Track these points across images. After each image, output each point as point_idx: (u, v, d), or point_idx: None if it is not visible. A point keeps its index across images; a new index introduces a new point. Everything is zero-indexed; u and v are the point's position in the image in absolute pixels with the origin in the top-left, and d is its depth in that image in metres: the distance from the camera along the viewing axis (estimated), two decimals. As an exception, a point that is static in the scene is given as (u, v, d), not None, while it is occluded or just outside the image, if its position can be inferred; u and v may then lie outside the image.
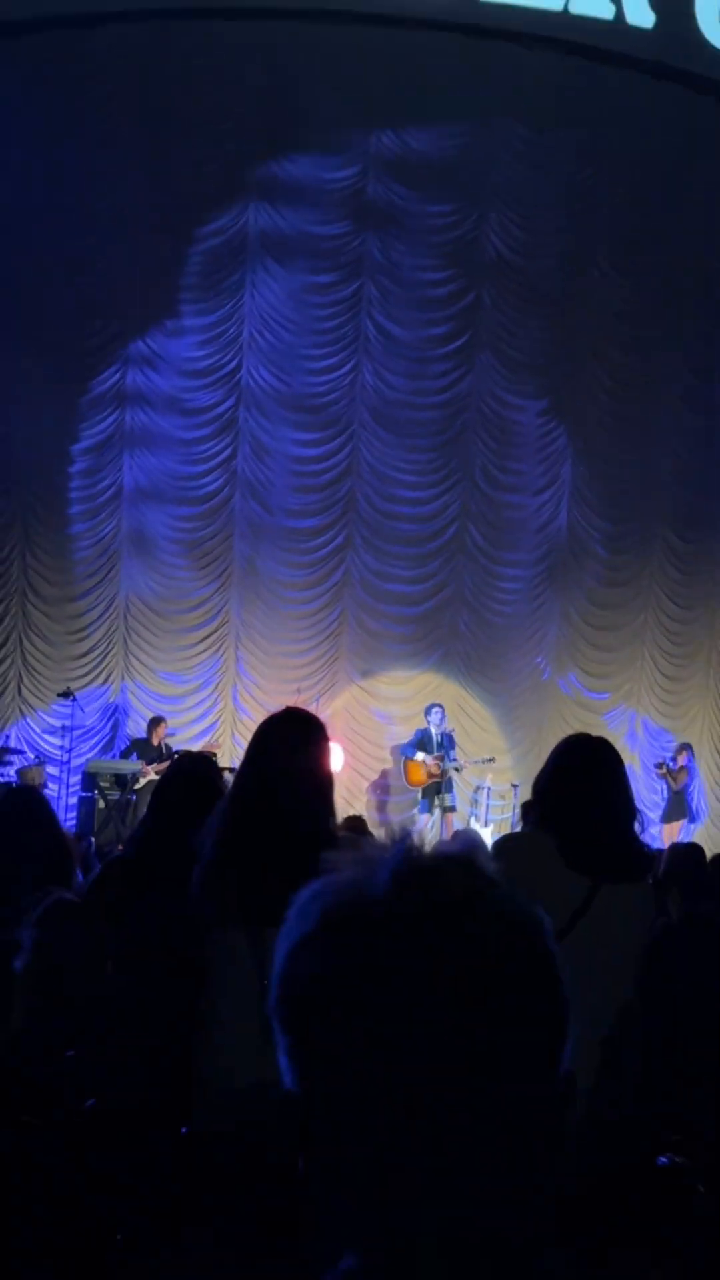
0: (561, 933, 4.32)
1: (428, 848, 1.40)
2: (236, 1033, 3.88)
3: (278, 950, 1.39)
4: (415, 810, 17.80)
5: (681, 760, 18.43)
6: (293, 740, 4.47)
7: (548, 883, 4.33)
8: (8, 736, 17.64)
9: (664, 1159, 3.93)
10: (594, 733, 4.90)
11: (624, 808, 4.58)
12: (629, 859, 4.49)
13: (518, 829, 12.91)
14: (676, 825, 17.90)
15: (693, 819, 18.42)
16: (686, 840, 13.71)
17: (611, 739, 4.87)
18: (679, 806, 18.31)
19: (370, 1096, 1.30)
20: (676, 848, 10.70)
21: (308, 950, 1.36)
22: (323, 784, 4.48)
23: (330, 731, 14.57)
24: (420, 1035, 1.29)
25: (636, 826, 4.67)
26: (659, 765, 18.53)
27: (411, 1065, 1.29)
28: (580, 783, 4.55)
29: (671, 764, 18.37)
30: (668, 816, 18.22)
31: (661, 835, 17.43)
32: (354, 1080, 1.31)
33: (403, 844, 1.39)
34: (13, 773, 16.44)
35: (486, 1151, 1.31)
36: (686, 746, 18.70)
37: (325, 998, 1.33)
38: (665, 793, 18.48)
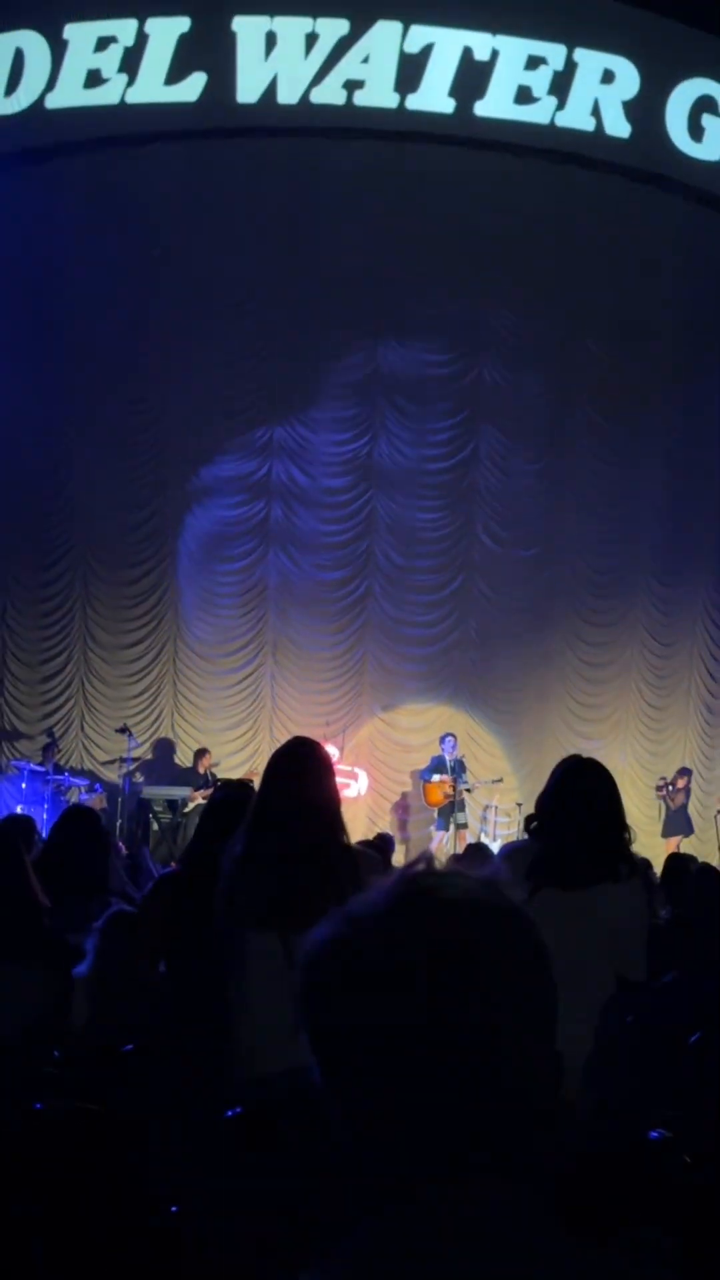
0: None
1: (434, 863, 1.40)
2: (270, 1024, 3.87)
3: (302, 950, 1.39)
4: (432, 828, 17.77)
5: (681, 783, 18.41)
6: (295, 767, 4.50)
7: (517, 883, 4.34)
8: (67, 777, 17.58)
9: (655, 1133, 3.91)
10: (583, 755, 4.91)
11: (611, 818, 4.58)
12: (612, 864, 4.49)
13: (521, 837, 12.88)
14: (675, 840, 17.85)
15: (688, 834, 18.32)
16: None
17: (605, 761, 4.88)
18: (676, 823, 18.26)
19: (380, 1076, 1.30)
20: (672, 857, 10.69)
21: (328, 949, 1.36)
22: (326, 802, 4.49)
23: (355, 759, 14.61)
24: (426, 1020, 1.29)
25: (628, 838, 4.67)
26: (658, 787, 18.53)
27: (418, 1049, 1.29)
28: (572, 797, 4.57)
29: (671, 787, 18.36)
30: (666, 831, 18.18)
31: (664, 849, 17.40)
32: (365, 1063, 1.31)
33: (413, 862, 1.40)
34: (77, 800, 16.45)
35: (487, 1127, 1.31)
36: (686, 771, 18.69)
37: (339, 989, 1.34)
38: (663, 811, 18.44)
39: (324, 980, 1.35)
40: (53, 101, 17.52)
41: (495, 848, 13.88)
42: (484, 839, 16.78)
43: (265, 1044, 3.90)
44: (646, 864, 8.27)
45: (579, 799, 4.56)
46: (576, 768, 4.72)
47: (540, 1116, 1.34)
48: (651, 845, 16.60)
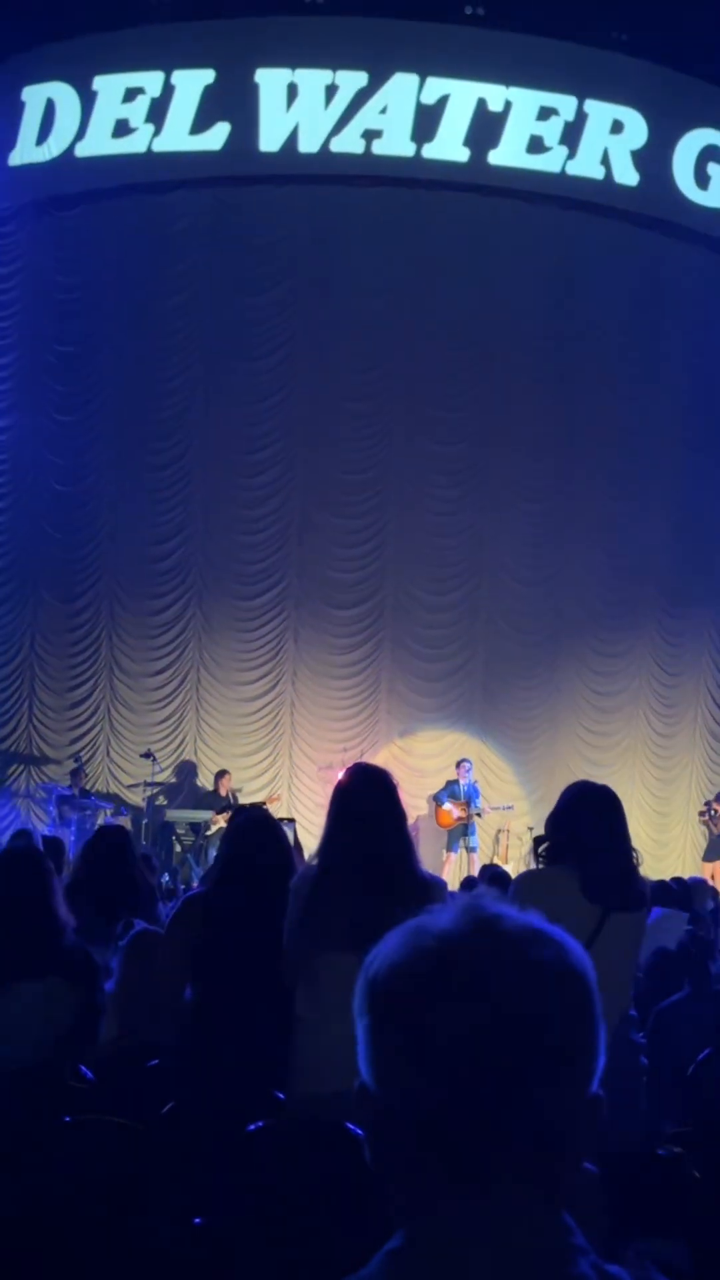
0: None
1: (496, 904, 1.41)
2: (342, 1039, 3.85)
3: (367, 966, 1.41)
4: (443, 850, 17.73)
5: None
6: (376, 793, 4.50)
7: (566, 912, 4.32)
8: (94, 801, 17.59)
9: (663, 1150, 3.89)
10: (593, 781, 4.89)
11: (625, 846, 4.56)
12: (631, 892, 4.47)
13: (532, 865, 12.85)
14: (717, 865, 17.80)
15: None
16: None
17: (614, 786, 4.85)
18: (718, 848, 18.17)
19: (427, 1097, 1.31)
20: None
21: (390, 971, 1.37)
22: (403, 827, 4.51)
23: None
24: (477, 1054, 1.30)
25: (636, 861, 4.65)
26: (701, 812, 18.48)
27: (467, 1078, 1.30)
28: (590, 824, 4.53)
29: (714, 812, 18.30)
30: (708, 856, 18.10)
31: (704, 873, 17.37)
32: (415, 1082, 1.32)
33: (477, 898, 1.41)
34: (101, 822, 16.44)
35: (525, 1157, 1.31)
36: None
37: (399, 1011, 1.35)
38: (708, 836, 18.37)
39: (394, 991, 1.36)
40: (82, 150, 17.67)
41: (510, 870, 13.85)
42: (495, 861, 16.74)
43: (339, 1060, 3.90)
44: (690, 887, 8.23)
45: (594, 826, 4.54)
46: (590, 793, 4.69)
47: (577, 1154, 1.36)
48: (696, 870, 16.59)
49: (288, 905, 4.42)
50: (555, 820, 4.66)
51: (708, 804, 18.50)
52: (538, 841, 4.73)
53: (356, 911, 4.17)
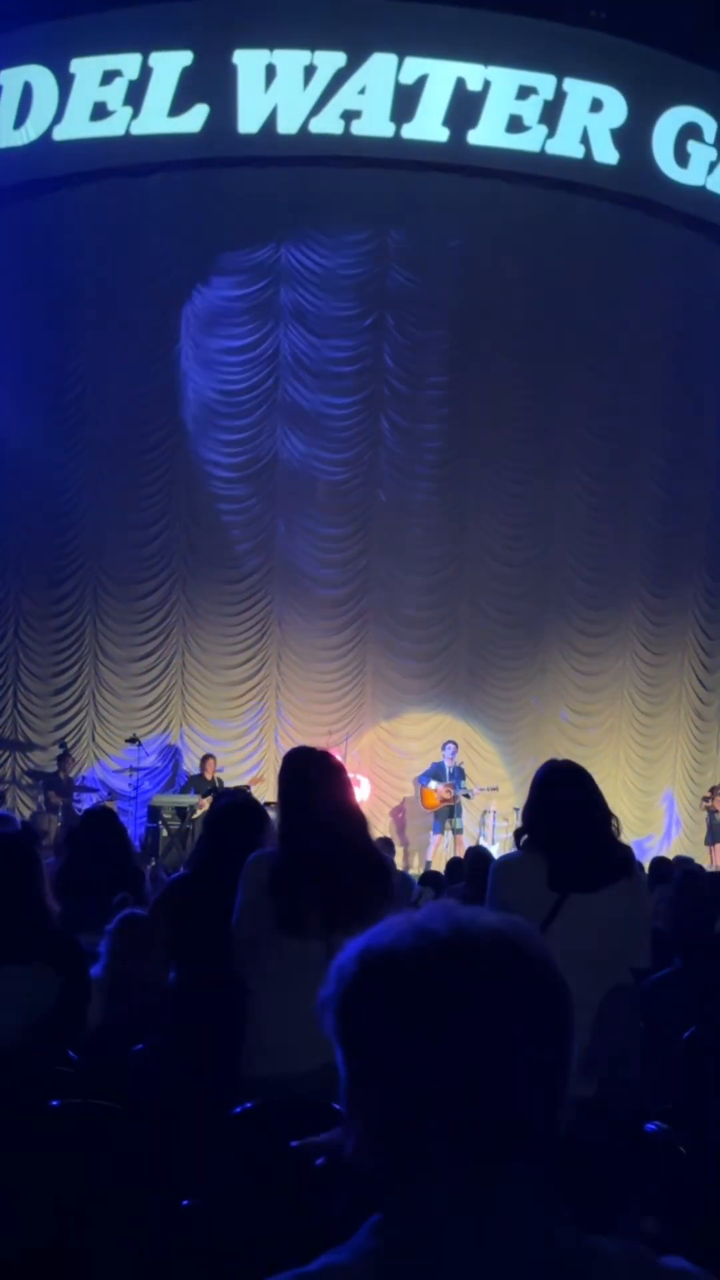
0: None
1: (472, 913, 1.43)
2: (304, 1018, 3.87)
3: (347, 952, 1.42)
4: (430, 832, 17.77)
5: None
6: (323, 774, 4.51)
7: (528, 898, 4.37)
8: (85, 778, 17.64)
9: (652, 1125, 3.89)
10: (583, 762, 4.88)
11: (595, 821, 4.55)
12: (601, 869, 4.46)
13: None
14: (717, 848, 17.90)
15: None
16: None
17: (598, 766, 4.87)
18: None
19: (401, 1082, 1.33)
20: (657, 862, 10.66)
21: (378, 961, 1.39)
22: (356, 807, 4.53)
23: (357, 765, 14.57)
24: (458, 1037, 1.33)
25: (615, 830, 4.64)
26: (705, 798, 18.54)
27: (447, 1061, 1.33)
28: (556, 807, 4.55)
29: (716, 796, 18.37)
30: (710, 839, 18.14)
31: (711, 855, 17.48)
32: (391, 1067, 1.34)
33: (450, 902, 1.43)
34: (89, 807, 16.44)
35: (491, 1142, 1.33)
36: None
37: (383, 999, 1.37)
38: (708, 821, 18.42)
39: (368, 989, 1.38)
40: (60, 134, 17.56)
41: (494, 851, 13.88)
42: (482, 843, 16.77)
43: (301, 1041, 3.90)
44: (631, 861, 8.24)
45: (576, 804, 4.54)
46: (563, 776, 4.68)
47: (552, 1118, 1.38)
48: (697, 855, 16.63)
49: (239, 888, 4.43)
50: (527, 808, 4.68)
51: (713, 789, 18.56)
52: (518, 834, 4.77)
53: (321, 891, 4.19)
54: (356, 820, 4.49)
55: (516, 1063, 1.34)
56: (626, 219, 18.77)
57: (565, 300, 18.85)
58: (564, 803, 4.54)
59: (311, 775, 4.52)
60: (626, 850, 4.62)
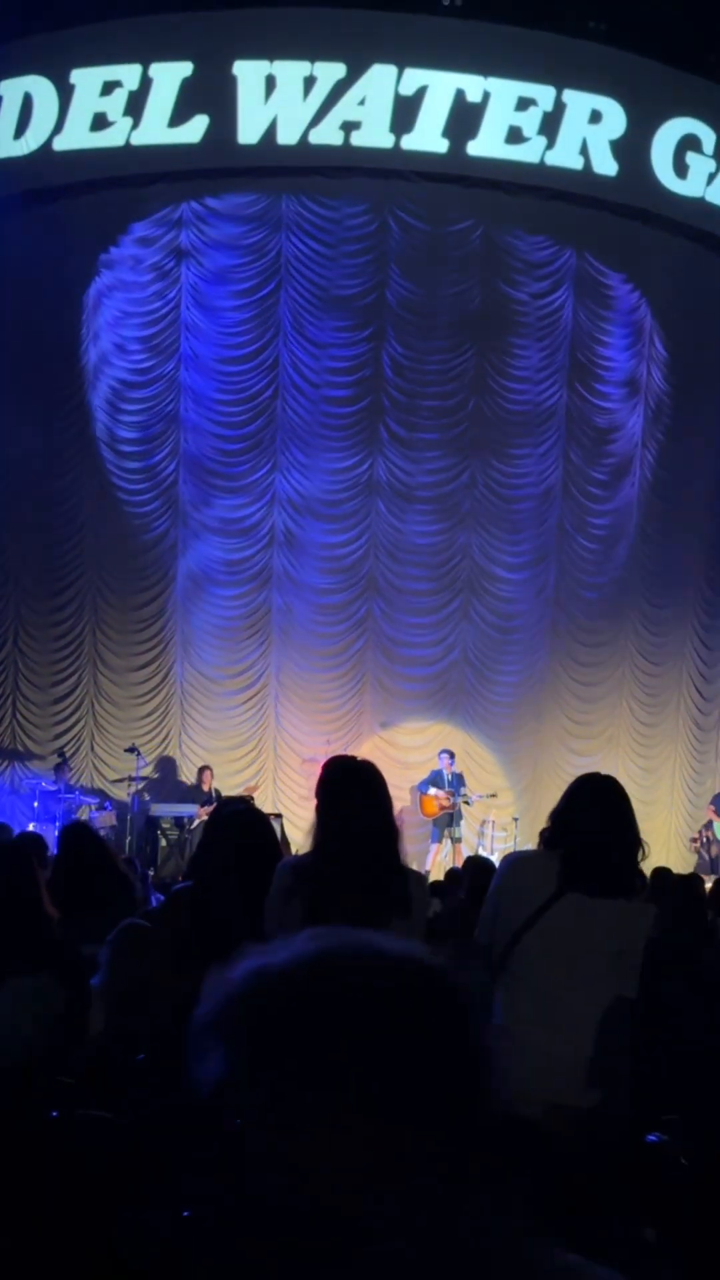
0: (525, 926, 4.36)
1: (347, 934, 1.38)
2: None
3: (232, 972, 1.37)
4: (429, 841, 17.76)
5: None
6: (362, 785, 4.54)
7: (533, 891, 4.41)
8: (79, 795, 17.58)
9: (653, 1136, 3.90)
10: (581, 772, 4.91)
11: (622, 833, 4.56)
12: (610, 877, 4.47)
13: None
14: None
15: None
16: None
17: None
18: None
19: (284, 1124, 1.27)
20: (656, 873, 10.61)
21: (262, 979, 1.34)
22: (393, 823, 4.56)
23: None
24: (327, 1079, 1.26)
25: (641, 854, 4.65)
26: (694, 839, 18.67)
27: (358, 1084, 1.26)
28: (581, 811, 4.56)
29: (705, 839, 18.39)
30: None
31: None
32: (270, 1104, 1.28)
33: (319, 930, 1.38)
34: (87, 817, 16.44)
35: (380, 1193, 1.26)
36: None
37: (254, 1035, 1.30)
38: (697, 860, 18.45)
39: (254, 1007, 1.32)
40: (60, 144, 17.58)
41: (494, 859, 13.87)
42: (481, 853, 16.76)
43: None
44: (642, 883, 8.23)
45: (609, 812, 4.56)
46: (603, 783, 4.72)
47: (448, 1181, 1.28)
48: (679, 863, 16.65)
49: (270, 890, 4.45)
50: (557, 808, 4.71)
51: (700, 831, 18.60)
52: (543, 832, 4.80)
53: (347, 899, 4.21)
54: (387, 830, 4.51)
55: (417, 1082, 1.27)
56: (625, 230, 18.81)
57: (562, 309, 18.92)
58: (595, 806, 4.56)
59: (350, 784, 4.56)
60: (641, 876, 4.63)
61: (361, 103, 17.73)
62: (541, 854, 4.64)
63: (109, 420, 18.27)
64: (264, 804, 16.70)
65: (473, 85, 17.89)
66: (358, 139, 17.83)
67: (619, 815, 4.57)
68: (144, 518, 18.48)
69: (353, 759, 4.83)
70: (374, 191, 18.39)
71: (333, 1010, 1.28)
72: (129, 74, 17.45)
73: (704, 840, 18.48)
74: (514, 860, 4.79)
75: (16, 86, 17.53)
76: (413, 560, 19.02)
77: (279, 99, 17.59)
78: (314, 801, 4.65)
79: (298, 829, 15.50)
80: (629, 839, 4.57)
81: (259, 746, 18.78)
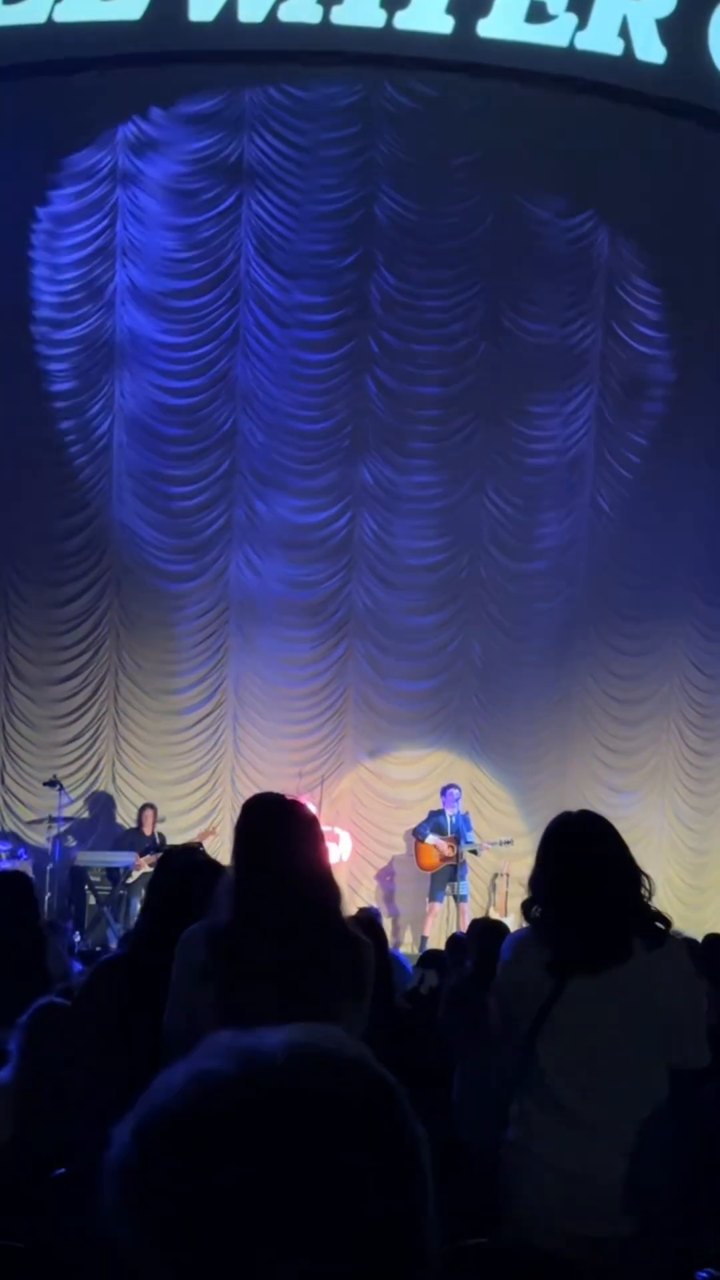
0: (532, 1031, 4.37)
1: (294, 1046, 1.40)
2: None
3: (120, 1129, 1.42)
4: (427, 899, 17.75)
5: None
6: (283, 825, 4.54)
7: (531, 985, 4.46)
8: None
9: (704, 1274, 3.92)
10: (619, 812, 4.92)
11: (624, 876, 4.56)
12: (640, 928, 4.47)
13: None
14: None
15: None
16: None
17: (640, 817, 4.89)
18: None
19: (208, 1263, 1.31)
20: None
21: (154, 1132, 1.37)
22: (330, 878, 4.55)
23: (334, 817, 14.57)
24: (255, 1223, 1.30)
25: (645, 893, 4.65)
26: None
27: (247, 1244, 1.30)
28: (558, 870, 4.57)
29: None
30: None
31: None
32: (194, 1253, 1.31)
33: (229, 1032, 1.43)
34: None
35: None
36: None
37: (169, 1181, 1.34)
38: None
39: (152, 1167, 1.36)
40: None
41: (510, 925, 13.86)
42: (492, 914, 16.76)
43: None
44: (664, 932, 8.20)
45: (581, 867, 4.55)
46: (567, 831, 4.72)
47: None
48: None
49: (173, 970, 4.46)
50: (532, 874, 4.71)
51: None
52: (527, 906, 4.79)
53: (276, 978, 4.20)
54: (323, 887, 4.52)
55: (346, 1216, 1.31)
56: (674, 132, 18.81)
57: (599, 233, 18.92)
58: (572, 867, 4.57)
59: (272, 829, 4.57)
60: (659, 916, 4.62)
61: (345, -30, 17.79)
62: (533, 937, 4.65)
63: (23, 363, 18.21)
64: (220, 852, 16.67)
65: (485, -51, 17.94)
66: (340, 16, 17.83)
67: (602, 858, 4.57)
68: (71, 488, 18.43)
69: (276, 796, 4.84)
70: (360, 83, 18.37)
71: (241, 1143, 1.32)
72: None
73: None
74: (511, 945, 4.81)
75: None
76: (406, 542, 19.00)
77: (241, -35, 17.63)
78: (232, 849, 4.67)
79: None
80: (623, 880, 4.57)
81: (214, 780, 18.76)
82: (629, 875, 4.59)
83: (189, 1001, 4.39)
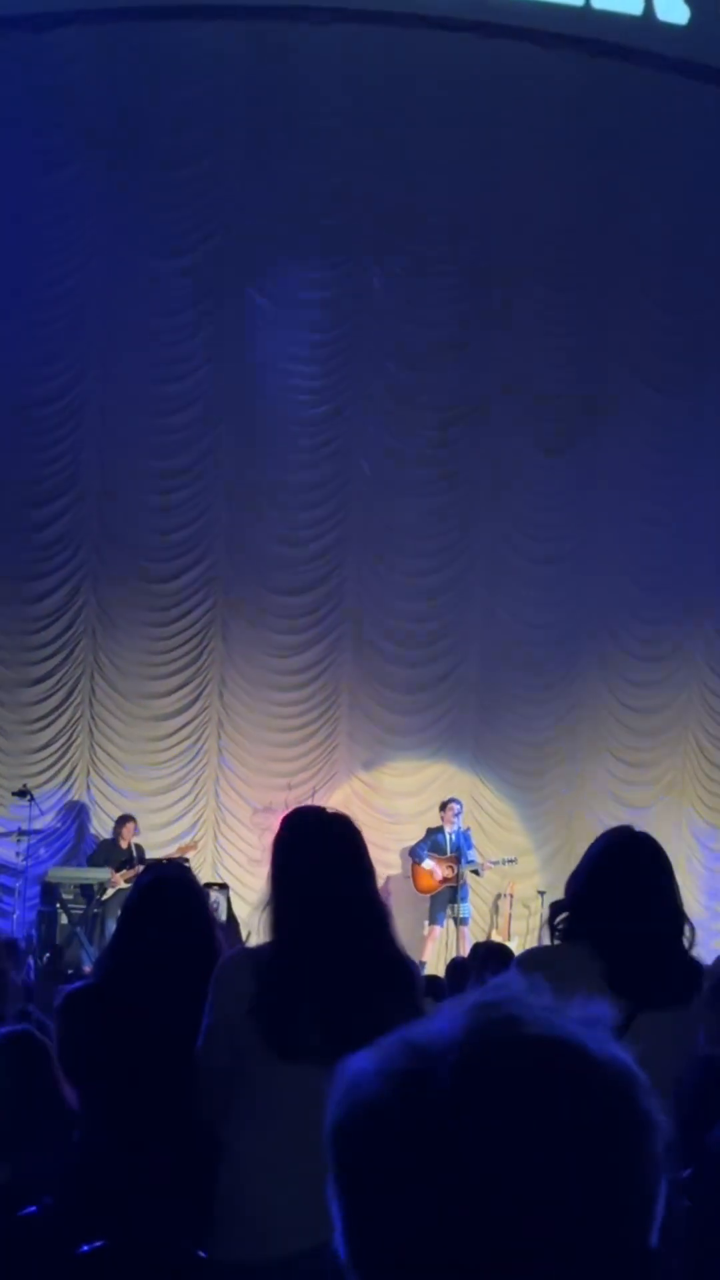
0: None
1: (512, 1009, 1.40)
2: (299, 1180, 3.90)
3: (334, 1093, 1.40)
4: (425, 922, 17.73)
5: None
6: (343, 850, 4.54)
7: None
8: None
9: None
10: (635, 828, 4.90)
11: (670, 918, 4.57)
12: (673, 980, 4.48)
13: (544, 941, 12.85)
14: None
15: None
16: None
17: (655, 835, 4.86)
18: None
19: (416, 1269, 1.31)
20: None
21: (371, 1109, 1.36)
22: (379, 899, 4.56)
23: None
24: (481, 1217, 1.30)
25: (686, 940, 4.65)
26: None
27: (467, 1251, 1.30)
28: (621, 890, 4.54)
29: None
30: None
31: None
32: (400, 1247, 1.32)
33: (483, 1006, 1.40)
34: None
35: None
36: None
37: (383, 1166, 1.34)
38: None
39: (382, 1135, 1.35)
40: None
41: (514, 948, 13.88)
42: (495, 937, 16.76)
43: (291, 1210, 3.91)
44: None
45: (626, 892, 4.55)
46: (623, 847, 4.70)
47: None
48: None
49: (206, 1000, 4.44)
50: (576, 881, 4.68)
51: None
52: (554, 909, 4.74)
53: (327, 1009, 4.19)
54: (375, 909, 4.53)
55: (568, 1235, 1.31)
56: (699, 98, 18.82)
57: (618, 204, 18.91)
58: (633, 880, 4.56)
59: (318, 846, 4.56)
60: (696, 964, 4.63)
61: None
62: (569, 951, 4.60)
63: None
64: (202, 870, 16.69)
65: None
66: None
67: (670, 893, 4.58)
68: (42, 476, 18.43)
69: (320, 810, 4.83)
70: (352, 45, 18.35)
71: (455, 1149, 1.32)
72: None
73: None
74: (532, 962, 4.76)
75: None
76: (405, 539, 19.01)
77: None
78: (268, 868, 4.66)
79: (246, 903, 15.50)
80: (677, 924, 4.58)
81: (196, 791, 18.75)
82: (680, 912, 4.60)
83: (233, 1036, 4.38)
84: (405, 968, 4.49)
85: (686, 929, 4.63)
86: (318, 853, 4.52)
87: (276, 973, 4.35)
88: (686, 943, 4.60)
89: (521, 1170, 1.30)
